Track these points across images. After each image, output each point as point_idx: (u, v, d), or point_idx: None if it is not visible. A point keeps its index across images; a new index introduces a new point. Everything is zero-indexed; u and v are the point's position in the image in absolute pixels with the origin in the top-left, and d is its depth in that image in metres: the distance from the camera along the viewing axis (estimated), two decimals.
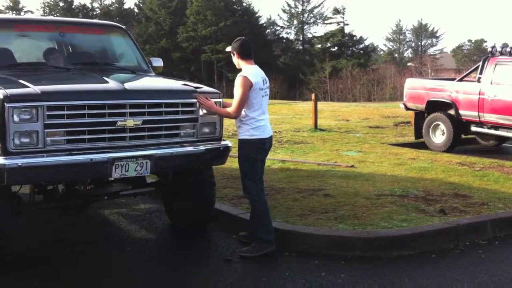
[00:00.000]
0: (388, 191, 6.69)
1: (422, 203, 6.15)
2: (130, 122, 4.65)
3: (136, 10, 65.21)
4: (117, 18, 59.81)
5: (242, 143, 5.01)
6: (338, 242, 4.98)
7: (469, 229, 5.34)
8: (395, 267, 4.70)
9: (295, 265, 4.70)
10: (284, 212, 5.82)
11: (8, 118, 4.18)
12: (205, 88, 5.23)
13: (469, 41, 72.73)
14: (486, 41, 69.63)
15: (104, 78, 5.01)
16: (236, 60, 5.08)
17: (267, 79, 5.11)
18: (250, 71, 4.96)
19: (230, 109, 4.98)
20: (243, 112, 4.93)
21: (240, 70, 5.04)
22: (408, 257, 4.87)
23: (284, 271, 4.59)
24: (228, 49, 5.18)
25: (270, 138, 5.14)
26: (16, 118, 4.21)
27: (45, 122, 4.30)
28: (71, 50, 6.16)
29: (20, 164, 4.19)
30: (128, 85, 4.87)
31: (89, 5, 66.58)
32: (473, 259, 4.87)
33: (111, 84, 4.83)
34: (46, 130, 4.32)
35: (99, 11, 65.77)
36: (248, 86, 4.85)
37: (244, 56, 5.04)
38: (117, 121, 4.59)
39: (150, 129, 4.80)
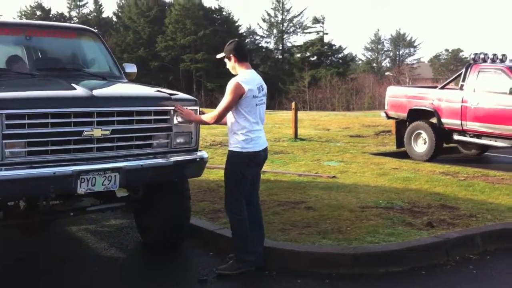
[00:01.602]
0: (373, 203, 6.42)
1: (408, 216, 5.88)
2: (98, 132, 4.29)
3: (114, 19, 64.65)
4: (95, 27, 59.06)
5: (231, 156, 4.60)
6: (322, 259, 4.66)
7: (459, 243, 5.07)
8: (382, 285, 4.41)
9: (276, 285, 4.37)
10: (264, 227, 5.46)
11: None
12: (181, 95, 4.89)
13: (446, 50, 73.61)
14: (462, 51, 70.64)
15: (72, 84, 4.63)
16: (231, 64, 4.66)
17: (264, 86, 4.68)
18: (246, 77, 4.54)
19: (210, 114, 4.62)
20: (233, 121, 4.53)
21: (233, 76, 4.62)
22: (396, 274, 4.58)
23: None
24: (220, 55, 4.73)
25: (265, 150, 4.71)
26: None
27: (3, 132, 3.93)
28: (37, 55, 5.77)
29: None
30: (96, 92, 4.50)
31: (67, 14, 65.80)
32: (465, 275, 4.60)
33: (78, 90, 4.46)
34: (4, 141, 3.95)
35: (77, 20, 64.95)
36: (239, 94, 4.44)
37: (241, 58, 4.62)
38: (83, 130, 4.23)
39: (120, 139, 4.44)
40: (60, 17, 64.14)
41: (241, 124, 4.52)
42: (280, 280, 4.47)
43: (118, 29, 59.59)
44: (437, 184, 7.67)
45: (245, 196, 4.63)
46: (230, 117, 4.57)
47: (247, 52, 4.71)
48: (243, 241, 4.63)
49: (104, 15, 67.19)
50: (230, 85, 4.47)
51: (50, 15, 63.56)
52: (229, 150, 4.63)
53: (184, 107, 4.70)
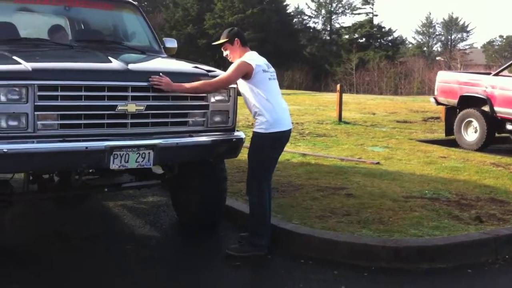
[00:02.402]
0: (418, 193, 6.09)
1: (455, 208, 5.54)
2: (132, 107, 4.13)
3: None
4: (145, 3, 59.50)
5: (255, 137, 4.47)
6: (361, 250, 4.40)
7: (510, 240, 4.71)
8: (425, 282, 4.13)
9: (312, 275, 4.14)
10: (302, 212, 5.27)
11: None
12: (218, 72, 4.68)
13: (501, 36, 70.93)
14: None
15: (108, 57, 4.49)
16: (234, 49, 4.58)
17: (269, 64, 4.61)
18: (251, 55, 4.52)
19: (201, 82, 4.37)
20: (254, 103, 4.41)
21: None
22: (440, 271, 4.28)
23: (298, 282, 4.03)
24: (221, 41, 4.62)
25: (289, 131, 4.60)
26: (3, 98, 3.73)
27: (35, 104, 3.81)
28: (76, 26, 5.67)
29: (6, 150, 3.70)
30: (132, 66, 4.34)
31: None
32: None
33: (113, 64, 4.31)
34: (36, 113, 3.83)
35: None
36: (245, 71, 4.37)
37: (244, 43, 4.63)
38: (117, 105, 4.07)
39: (155, 115, 4.27)
40: None
41: (262, 104, 4.40)
42: (315, 270, 4.24)
43: (167, 5, 59.69)
44: (487, 176, 7.26)
45: (267, 178, 4.54)
46: (250, 100, 4.45)
47: None
48: (259, 224, 4.53)
49: None
50: (235, 63, 4.40)
51: None
52: (253, 132, 4.51)
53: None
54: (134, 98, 4.14)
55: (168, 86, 4.24)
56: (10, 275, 4.02)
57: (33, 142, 3.84)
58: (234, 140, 4.64)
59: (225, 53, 4.67)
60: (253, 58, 4.50)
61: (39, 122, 3.86)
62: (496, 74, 10.60)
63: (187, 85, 4.34)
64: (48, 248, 4.68)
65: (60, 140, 3.92)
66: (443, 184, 6.63)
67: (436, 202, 5.73)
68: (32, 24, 5.75)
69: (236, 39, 4.59)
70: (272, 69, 4.59)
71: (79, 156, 3.97)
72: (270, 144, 4.47)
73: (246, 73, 4.39)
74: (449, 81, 11.22)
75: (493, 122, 10.07)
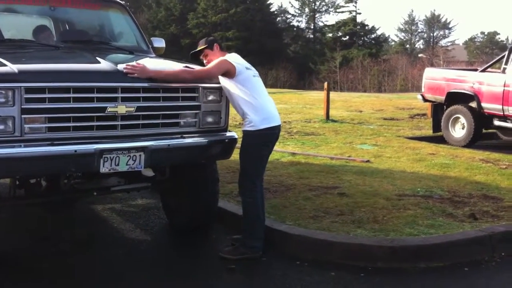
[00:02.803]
0: (410, 191, 6.06)
1: (449, 206, 5.51)
2: (122, 109, 4.02)
3: None
4: (128, 3, 59.00)
5: (246, 136, 4.42)
6: (358, 251, 4.35)
7: (505, 238, 4.68)
8: (423, 282, 4.08)
9: (308, 277, 4.08)
10: (295, 212, 5.20)
11: None
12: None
13: (482, 33, 71.73)
14: (499, 34, 68.79)
15: (96, 58, 4.37)
16: (214, 53, 4.57)
17: (250, 65, 4.60)
18: (231, 55, 4.52)
19: (186, 69, 4.37)
20: (241, 102, 4.36)
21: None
22: (437, 270, 4.24)
23: (295, 284, 3.96)
24: (199, 48, 4.62)
25: (279, 127, 4.55)
26: None
27: (22, 107, 3.68)
28: (62, 27, 5.54)
29: None
30: (121, 66, 4.23)
31: None
32: None
33: (102, 64, 4.19)
34: (23, 116, 3.70)
35: None
36: (224, 68, 4.34)
37: (222, 48, 4.68)
38: (107, 107, 3.96)
39: (145, 117, 4.16)
40: None
41: (249, 102, 4.35)
42: (312, 272, 4.17)
43: (150, 5, 59.32)
44: (477, 172, 7.25)
45: (260, 177, 4.50)
46: (237, 100, 4.39)
47: None
48: (252, 225, 4.47)
49: None
50: (216, 60, 4.41)
51: None
52: (243, 131, 4.45)
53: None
54: (124, 99, 4.03)
55: (143, 73, 4.11)
56: None
57: (20, 146, 3.72)
58: (226, 140, 4.56)
59: (205, 60, 4.62)
60: (234, 57, 4.50)
61: (26, 126, 3.73)
62: (483, 70, 10.63)
63: (165, 71, 4.27)
64: (37, 254, 4.56)
65: (49, 143, 3.80)
66: (435, 181, 6.60)
67: (429, 200, 5.70)
68: (16, 25, 5.60)
69: (215, 44, 4.62)
70: (254, 69, 4.57)
71: (68, 160, 3.86)
72: (261, 141, 4.42)
73: (227, 70, 4.34)
74: (436, 78, 11.25)
75: (481, 118, 10.11)
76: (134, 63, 4.17)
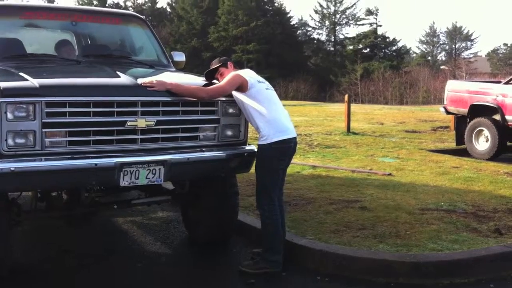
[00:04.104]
0: (433, 205, 5.96)
1: (473, 220, 5.40)
2: (142, 123, 4.03)
3: (168, 9, 65.19)
4: (150, 17, 59.78)
5: (262, 150, 4.38)
6: (379, 266, 4.26)
7: None
8: None
9: None
10: (315, 227, 5.14)
11: (1, 115, 3.60)
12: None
13: (505, 44, 70.94)
14: None
15: (116, 72, 4.39)
16: (228, 71, 4.53)
17: (264, 79, 4.62)
18: (242, 70, 4.53)
19: (201, 87, 4.36)
20: (255, 116, 4.34)
21: None
22: (461, 286, 4.14)
23: None
24: (214, 66, 4.61)
25: (295, 140, 4.50)
26: (10, 115, 3.63)
27: (43, 121, 3.71)
28: (83, 41, 5.60)
29: (13, 169, 3.60)
30: (141, 81, 4.25)
31: (122, 4, 66.72)
32: None
33: (122, 78, 4.21)
34: (44, 130, 3.73)
35: (132, 10, 65.87)
36: (238, 82, 4.32)
37: (236, 66, 4.68)
38: (127, 121, 3.98)
39: (165, 130, 4.17)
40: (116, 7, 65.11)
41: (262, 114, 4.33)
42: (332, 287, 4.11)
43: (172, 19, 60.09)
44: (502, 186, 7.11)
45: (277, 191, 4.45)
46: (251, 114, 4.37)
47: None
48: (272, 240, 4.42)
49: (158, 5, 67.81)
50: (229, 75, 4.40)
51: (106, 5, 64.61)
52: (258, 145, 4.42)
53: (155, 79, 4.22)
54: (144, 113, 4.04)
55: (161, 86, 4.13)
56: None
57: (41, 160, 3.74)
58: (246, 154, 4.53)
59: (220, 79, 4.57)
60: (246, 72, 4.51)
61: (47, 140, 3.76)
62: (507, 83, 10.47)
63: (185, 86, 4.28)
64: (57, 267, 4.57)
65: (69, 157, 3.82)
66: (458, 195, 6.49)
67: (452, 214, 5.59)
68: (39, 40, 5.70)
69: (229, 62, 4.63)
70: (267, 82, 4.58)
71: (88, 173, 3.87)
72: (277, 154, 4.37)
73: (241, 84, 4.33)
74: (459, 90, 11.11)
75: (505, 131, 9.94)
76: (152, 77, 4.18)
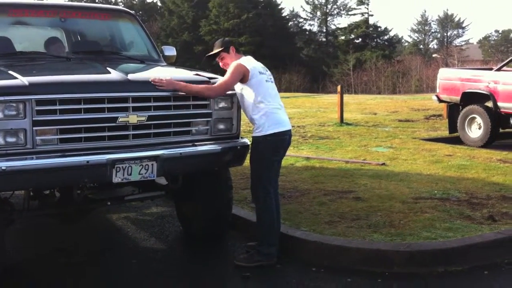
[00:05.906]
0: (427, 194, 5.98)
1: (466, 208, 5.43)
2: (134, 118, 4.02)
3: (159, 3, 64.80)
4: (140, 12, 59.47)
5: (256, 142, 4.38)
6: (374, 256, 4.29)
7: None
8: (441, 286, 4.02)
9: (324, 284, 4.03)
10: (310, 218, 5.15)
11: None
12: (220, 78, 4.58)
13: (496, 31, 70.98)
14: None
15: (107, 68, 4.37)
16: (230, 56, 4.54)
17: (266, 68, 4.58)
18: (246, 59, 4.49)
19: (208, 86, 4.34)
20: (251, 106, 4.34)
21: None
22: (456, 274, 4.17)
23: None
24: (215, 51, 4.59)
25: (289, 132, 4.50)
26: (0, 114, 3.62)
27: (33, 119, 3.69)
28: (73, 38, 5.56)
29: (5, 168, 3.58)
30: (131, 76, 4.23)
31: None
32: None
33: (112, 74, 4.19)
34: (35, 128, 3.71)
35: (122, 5, 65.45)
36: (241, 72, 4.31)
37: (238, 50, 4.64)
38: (118, 117, 3.96)
39: (157, 126, 4.16)
40: (105, 2, 64.72)
41: (259, 106, 4.33)
42: (328, 278, 4.13)
43: (162, 13, 59.70)
44: (495, 173, 7.14)
45: (272, 183, 4.44)
46: (247, 104, 4.38)
47: None
48: (267, 232, 4.44)
49: (148, 0, 67.42)
50: (232, 66, 4.36)
51: (96, 0, 64.24)
52: (252, 137, 4.41)
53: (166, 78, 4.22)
54: (135, 109, 4.03)
55: (170, 85, 4.14)
56: None
57: (32, 158, 3.72)
58: (239, 147, 4.53)
59: (221, 63, 4.60)
60: (248, 60, 4.47)
61: (38, 138, 3.74)
62: (499, 69, 10.49)
63: (193, 86, 4.27)
64: (51, 265, 4.56)
65: (61, 155, 3.81)
66: (452, 183, 6.51)
67: (446, 202, 5.62)
68: (28, 38, 5.64)
69: (231, 46, 4.60)
70: (268, 72, 4.55)
71: (81, 170, 3.86)
72: (271, 147, 4.37)
73: (243, 74, 4.33)
74: (451, 78, 11.12)
75: (497, 118, 9.96)
76: (161, 75, 4.16)
